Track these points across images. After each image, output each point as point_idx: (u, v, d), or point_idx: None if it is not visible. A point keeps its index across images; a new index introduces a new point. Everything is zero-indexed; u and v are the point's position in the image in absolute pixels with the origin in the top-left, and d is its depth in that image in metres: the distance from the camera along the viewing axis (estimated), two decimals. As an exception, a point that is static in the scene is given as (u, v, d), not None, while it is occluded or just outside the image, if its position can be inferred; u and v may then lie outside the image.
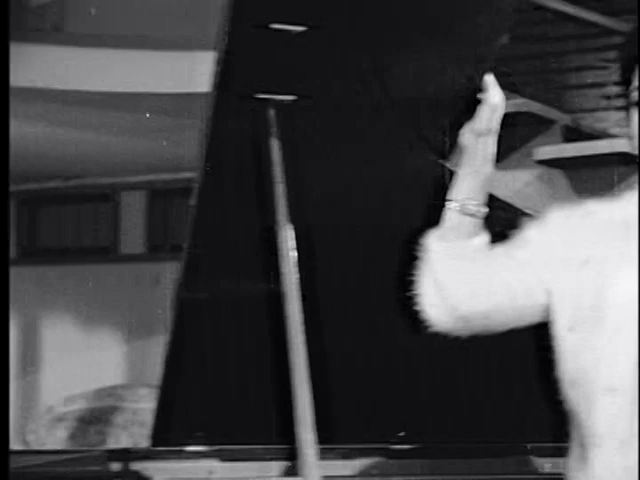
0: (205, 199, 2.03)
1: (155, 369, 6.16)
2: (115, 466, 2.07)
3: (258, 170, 1.93)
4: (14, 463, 2.02)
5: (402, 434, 2.17)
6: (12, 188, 7.25)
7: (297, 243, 1.88)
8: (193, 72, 3.56)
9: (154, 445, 2.34)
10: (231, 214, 2.08)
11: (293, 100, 1.95)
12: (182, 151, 5.47)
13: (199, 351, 2.24)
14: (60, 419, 6.14)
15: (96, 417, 6.05)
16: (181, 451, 2.20)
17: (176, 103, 4.18)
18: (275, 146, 1.91)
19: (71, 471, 1.95)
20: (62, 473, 1.94)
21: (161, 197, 6.67)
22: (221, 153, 1.95)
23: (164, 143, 5.39)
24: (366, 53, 1.96)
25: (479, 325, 1.42)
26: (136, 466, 2.07)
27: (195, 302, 2.18)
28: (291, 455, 2.14)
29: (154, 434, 2.34)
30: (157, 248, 6.64)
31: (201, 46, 3.47)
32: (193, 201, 2.03)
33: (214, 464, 2.18)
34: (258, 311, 2.14)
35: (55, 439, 5.99)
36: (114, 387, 6.24)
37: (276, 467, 2.20)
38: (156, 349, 6.15)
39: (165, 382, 2.24)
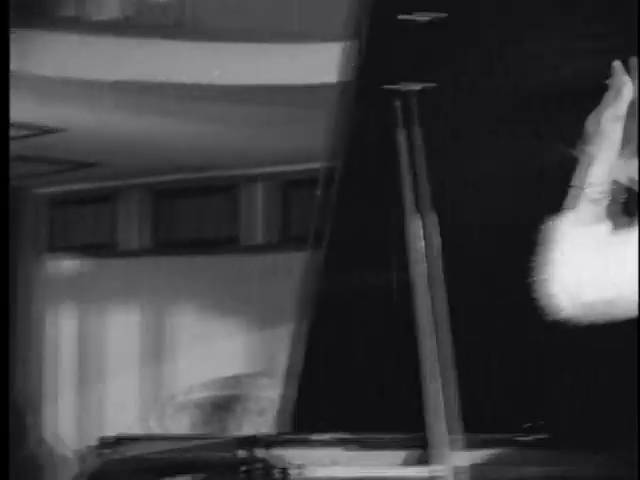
0: (336, 190, 2.04)
1: (277, 359, 6.25)
2: (243, 453, 2.09)
3: (389, 160, 1.93)
4: (139, 449, 2.07)
5: (529, 425, 2.15)
6: (144, 180, 7.46)
7: (425, 233, 1.88)
8: (321, 63, 3.57)
9: (281, 433, 2.38)
10: (361, 204, 2.08)
11: (425, 89, 1.94)
12: (306, 143, 5.51)
13: (329, 340, 2.26)
14: (183, 407, 6.25)
15: (218, 406, 6.14)
16: (308, 439, 2.21)
17: (303, 95, 4.21)
18: (402, 137, 1.90)
19: (199, 457, 1.98)
20: (190, 459, 1.97)
21: (283, 189, 6.72)
22: (353, 144, 1.96)
23: (289, 135, 5.44)
24: (497, 42, 1.94)
25: (603, 313, 1.40)
26: (263, 453, 2.09)
27: (326, 292, 2.19)
28: (418, 444, 2.14)
29: (281, 422, 2.37)
30: (280, 240, 6.69)
31: (330, 37, 3.48)
32: (322, 192, 2.04)
33: (340, 453, 2.19)
34: (389, 301, 2.14)
35: (178, 427, 6.10)
36: (237, 376, 6.32)
37: (403, 456, 2.20)
38: (278, 339, 6.25)
39: (294, 370, 2.26)
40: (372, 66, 1.90)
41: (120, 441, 2.17)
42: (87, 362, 7.67)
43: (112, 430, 2.27)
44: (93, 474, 1.85)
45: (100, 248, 7.76)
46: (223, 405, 6.10)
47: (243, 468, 1.93)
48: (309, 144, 5.24)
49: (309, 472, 2.03)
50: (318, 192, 2.04)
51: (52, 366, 7.92)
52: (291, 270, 6.18)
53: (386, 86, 1.90)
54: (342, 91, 1.92)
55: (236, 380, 6.23)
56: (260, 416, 5.89)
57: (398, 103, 1.90)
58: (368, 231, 2.12)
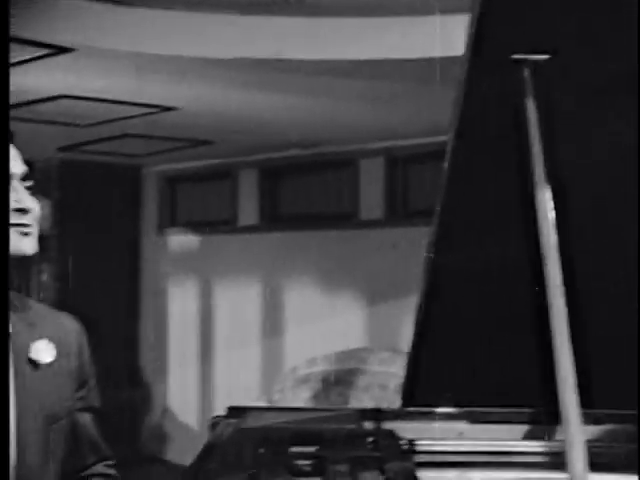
0: (459, 163, 2.03)
1: (396, 333, 6.26)
2: (368, 425, 2.11)
3: (514, 132, 1.91)
4: (266, 420, 2.10)
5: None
6: (262, 157, 7.54)
7: (555, 205, 1.85)
8: (437, 36, 3.55)
9: (405, 406, 2.38)
10: (485, 177, 2.06)
11: (548, 60, 1.91)
12: (425, 117, 5.48)
13: (451, 314, 2.25)
14: (304, 380, 6.31)
15: (338, 379, 6.18)
16: (432, 412, 2.21)
17: (419, 68, 4.18)
18: (531, 107, 1.88)
19: (326, 428, 2.00)
20: (317, 430, 1.99)
21: (399, 163, 6.70)
22: (475, 116, 1.94)
23: (404, 109, 5.42)
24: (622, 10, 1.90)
25: None
26: (388, 425, 2.10)
27: (448, 266, 2.18)
28: (544, 418, 2.13)
29: (405, 395, 2.37)
30: (396, 214, 6.68)
31: (450, 9, 3.46)
32: (446, 164, 2.03)
33: (464, 426, 2.19)
34: (509, 273, 2.13)
35: (299, 399, 6.16)
36: (356, 350, 6.35)
37: (526, 430, 2.19)
38: (398, 313, 6.26)
39: (416, 344, 2.26)
40: (496, 37, 1.88)
41: (248, 411, 2.21)
42: (209, 335, 7.81)
43: (232, 402, 2.29)
44: (223, 443, 1.89)
45: (219, 224, 7.88)
46: (343, 379, 6.14)
47: (369, 439, 1.95)
48: (428, 118, 5.24)
49: (434, 445, 2.04)
50: (443, 165, 2.03)
51: (176, 339, 8.09)
52: (411, 244, 6.19)
53: (513, 56, 1.88)
54: (465, 63, 1.91)
55: (356, 354, 6.26)
56: (380, 390, 5.91)
57: (525, 73, 1.88)
58: (490, 203, 2.11)
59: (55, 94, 5.19)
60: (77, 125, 6.12)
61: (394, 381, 5.87)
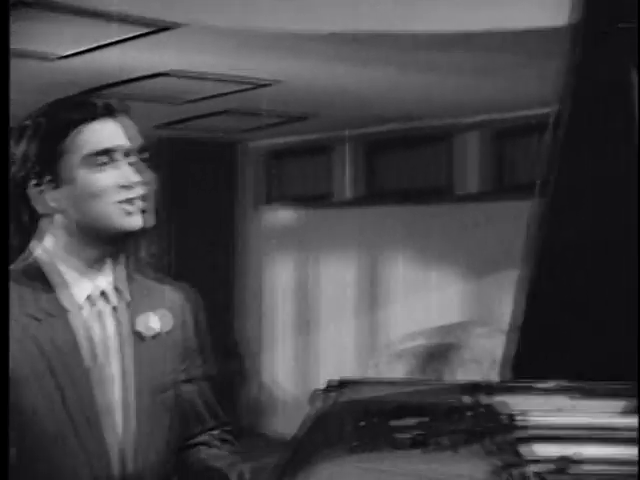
0: (564, 135, 2.01)
1: (492, 308, 6.23)
2: (467, 398, 2.11)
3: (621, 101, 1.88)
4: (365, 393, 2.12)
5: None
6: (358, 131, 7.54)
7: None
8: (540, 7, 3.51)
9: (504, 380, 2.38)
10: (596, 151, 2.04)
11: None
12: (520, 89, 5.43)
13: (558, 289, 2.24)
14: (399, 355, 6.32)
15: (434, 354, 6.17)
16: (531, 387, 2.21)
17: (520, 40, 4.15)
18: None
19: (425, 401, 2.02)
20: (417, 403, 2.00)
21: (494, 137, 6.64)
22: (582, 86, 1.92)
23: (500, 82, 5.37)
24: None
25: None
26: (487, 400, 2.10)
27: (557, 241, 2.16)
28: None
29: (504, 369, 2.38)
30: (491, 188, 6.63)
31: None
32: (549, 137, 2.01)
33: (564, 401, 2.17)
34: (621, 250, 2.11)
35: (394, 374, 6.18)
36: (453, 325, 6.34)
37: (630, 405, 2.17)
38: (493, 288, 6.23)
39: (518, 318, 2.26)
40: (604, 5, 1.85)
41: (346, 384, 2.24)
42: (304, 310, 7.86)
43: (330, 376, 2.32)
44: (323, 416, 1.91)
45: (316, 199, 7.92)
46: (438, 354, 6.13)
47: (469, 413, 1.95)
48: (524, 91, 5.18)
49: (533, 419, 2.03)
50: (553, 138, 2.00)
51: (273, 313, 8.16)
52: (506, 218, 6.14)
53: (620, 24, 1.85)
54: (571, 33, 1.88)
55: (451, 329, 6.25)
56: (476, 365, 5.89)
57: (633, 42, 1.85)
58: (596, 177, 2.08)
59: (157, 72, 5.26)
60: (177, 102, 6.21)
61: (490, 356, 5.84)
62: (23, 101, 6.20)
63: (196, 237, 8.16)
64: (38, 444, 1.83)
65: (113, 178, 1.91)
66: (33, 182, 1.91)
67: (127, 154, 1.95)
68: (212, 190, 8.29)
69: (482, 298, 6.53)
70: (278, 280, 8.10)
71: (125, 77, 5.42)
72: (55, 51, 4.75)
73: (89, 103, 1.95)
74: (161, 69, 5.20)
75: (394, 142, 7.33)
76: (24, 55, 4.79)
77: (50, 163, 1.90)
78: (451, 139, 6.84)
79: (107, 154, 1.91)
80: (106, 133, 1.93)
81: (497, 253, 6.24)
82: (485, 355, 5.91)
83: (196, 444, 2.15)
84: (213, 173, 8.30)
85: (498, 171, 6.68)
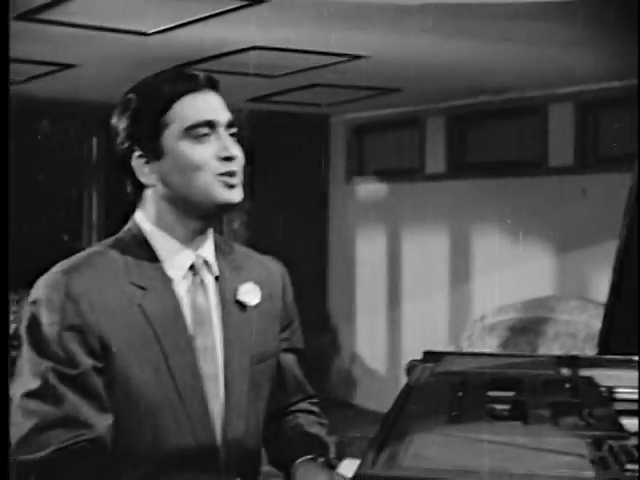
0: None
1: (586, 281, 6.16)
2: (565, 371, 2.10)
3: None
4: (462, 365, 2.12)
5: None
6: (448, 104, 7.50)
7: None
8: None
9: (601, 353, 2.37)
10: None
11: None
12: (612, 60, 5.34)
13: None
14: (492, 328, 6.31)
15: (527, 327, 6.15)
16: (630, 360, 2.19)
17: (611, 10, 4.07)
18: None
19: (523, 374, 2.01)
20: (515, 375, 2.00)
21: (589, 108, 6.54)
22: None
23: (594, 53, 5.29)
24: None
25: None
26: (585, 372, 2.09)
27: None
28: None
29: (601, 342, 2.36)
30: (586, 160, 6.54)
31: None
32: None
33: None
34: None
35: (487, 347, 6.17)
36: (545, 298, 6.30)
37: None
38: (586, 261, 6.17)
39: (616, 291, 2.24)
40: None
41: (442, 356, 2.24)
42: (397, 282, 7.88)
43: (420, 348, 2.32)
44: (421, 386, 1.92)
45: (407, 172, 7.91)
46: (531, 327, 6.11)
47: (567, 385, 1.94)
48: (618, 62, 5.09)
49: (630, 393, 2.01)
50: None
51: (364, 286, 8.19)
52: (601, 191, 6.07)
53: None
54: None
55: (545, 302, 6.21)
56: (569, 338, 5.85)
57: None
58: None
59: (247, 46, 5.30)
60: (269, 76, 6.24)
61: (583, 330, 5.80)
62: (117, 75, 6.36)
63: (289, 210, 8.22)
64: (144, 410, 1.87)
65: (214, 150, 1.92)
66: (137, 154, 1.94)
67: (228, 126, 1.97)
68: (304, 163, 8.33)
69: (576, 271, 6.45)
70: (371, 253, 8.11)
71: (215, 52, 5.47)
72: (148, 28, 4.82)
73: (191, 75, 1.96)
74: (250, 44, 5.24)
75: (486, 114, 7.27)
76: (119, 31, 4.87)
77: (153, 135, 1.92)
78: (544, 111, 6.75)
79: (209, 126, 1.93)
80: (208, 105, 1.94)
81: (592, 226, 6.17)
82: (580, 328, 5.87)
83: (293, 411, 2.18)
84: (305, 146, 8.33)
85: (592, 143, 6.58)
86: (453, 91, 6.95)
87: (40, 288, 1.88)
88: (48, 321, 1.83)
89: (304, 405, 2.20)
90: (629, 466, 1.28)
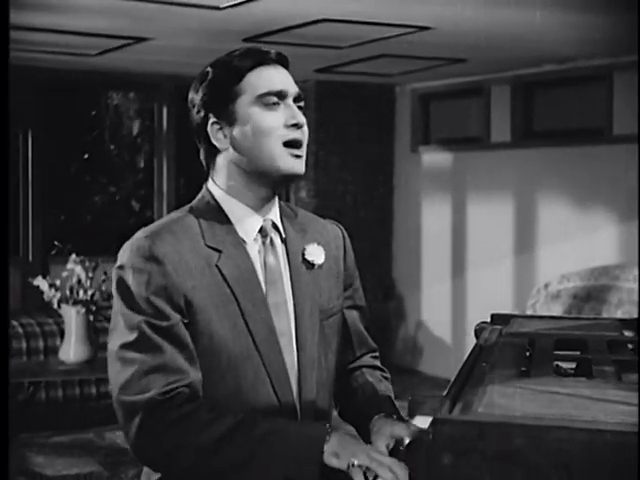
0: None
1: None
2: (628, 333, 2.16)
3: None
4: (529, 326, 2.19)
5: None
6: (507, 74, 7.45)
7: None
8: None
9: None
10: None
11: None
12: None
13: None
14: (556, 296, 6.33)
15: (590, 295, 6.17)
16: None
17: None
18: None
19: (589, 335, 2.07)
20: (581, 336, 2.06)
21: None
22: None
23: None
24: None
25: None
26: (648, 334, 2.14)
27: None
28: None
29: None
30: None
31: None
32: None
33: None
34: None
35: (551, 313, 6.19)
36: (609, 267, 6.30)
37: None
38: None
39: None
40: None
41: (511, 318, 2.33)
42: (462, 251, 7.92)
43: (485, 316, 2.41)
44: (491, 344, 2.01)
45: (472, 141, 7.93)
46: (595, 295, 6.12)
47: (630, 346, 2.01)
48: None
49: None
50: None
51: (429, 254, 8.24)
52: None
53: None
54: None
55: (609, 270, 6.21)
56: (632, 306, 5.87)
57: None
58: None
59: (316, 18, 5.38)
60: (336, 47, 6.31)
61: (648, 297, 5.81)
62: (190, 48, 6.47)
63: (355, 178, 8.30)
64: (227, 362, 2.01)
65: (283, 117, 2.05)
66: (212, 120, 2.08)
67: (296, 99, 2.10)
68: (371, 132, 8.39)
69: None
70: (436, 221, 8.15)
71: (285, 25, 5.55)
72: (220, 2, 4.93)
73: (263, 51, 2.10)
74: (324, 15, 5.31)
75: (551, 83, 7.26)
76: (192, 5, 4.98)
77: (227, 102, 2.06)
78: (609, 79, 6.71)
79: (278, 96, 2.06)
80: (278, 77, 2.08)
81: None
82: None
83: (359, 367, 2.32)
84: (372, 116, 8.39)
85: None
86: (517, 60, 6.95)
87: (126, 252, 2.00)
88: (135, 282, 1.96)
89: (368, 360, 2.34)
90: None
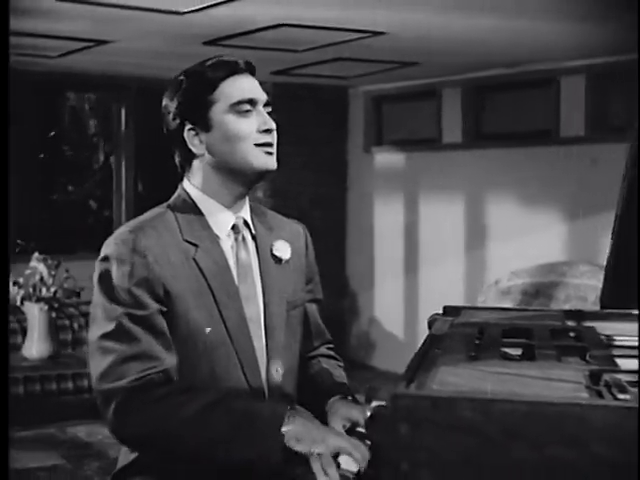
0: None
1: (596, 247, 6.27)
2: (571, 323, 2.30)
3: None
4: (479, 317, 2.31)
5: None
6: (458, 77, 7.45)
7: None
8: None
9: (603, 307, 2.58)
10: None
11: None
12: (620, 34, 5.40)
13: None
14: (506, 292, 6.42)
15: (539, 291, 6.26)
16: (629, 314, 2.35)
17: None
18: None
19: (534, 324, 2.20)
20: (526, 325, 2.18)
21: (600, 80, 6.62)
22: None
23: (606, 27, 5.35)
24: None
25: None
26: (588, 324, 2.28)
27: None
28: None
29: (603, 298, 2.58)
30: (596, 130, 6.63)
31: None
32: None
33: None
34: None
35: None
36: (557, 264, 6.40)
37: None
38: (597, 228, 6.28)
39: (615, 251, 2.44)
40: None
41: (462, 310, 2.47)
42: (414, 248, 8.00)
43: (437, 312, 2.53)
44: (442, 334, 2.14)
45: (424, 142, 8.00)
46: (544, 291, 6.23)
47: (572, 334, 2.15)
48: (628, 36, 5.18)
49: (630, 340, 2.19)
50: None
51: (382, 251, 8.32)
52: (610, 160, 6.18)
53: None
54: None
55: (556, 267, 6.32)
56: (579, 301, 5.99)
57: None
58: None
59: (274, 23, 5.45)
60: (293, 51, 6.39)
61: (593, 293, 5.93)
62: (151, 51, 6.49)
63: (308, 179, 8.39)
64: (202, 348, 2.16)
65: (256, 123, 2.23)
66: (188, 127, 2.23)
67: (265, 105, 2.27)
68: (326, 133, 8.46)
69: (586, 238, 6.54)
70: (389, 220, 8.20)
71: (245, 29, 5.62)
72: (180, 7, 5.00)
73: (233, 62, 2.26)
74: (284, 20, 5.37)
75: (501, 86, 7.33)
76: (155, 10, 5.04)
77: (203, 111, 2.22)
78: (556, 83, 6.81)
79: (250, 103, 2.23)
80: (249, 86, 2.26)
81: (601, 194, 6.22)
82: (589, 292, 5.99)
83: (316, 356, 2.50)
84: (326, 117, 8.46)
85: (602, 113, 6.64)
86: (468, 64, 7.02)
87: (110, 245, 2.14)
88: (119, 273, 2.10)
89: (324, 350, 2.53)
90: (620, 396, 1.48)
